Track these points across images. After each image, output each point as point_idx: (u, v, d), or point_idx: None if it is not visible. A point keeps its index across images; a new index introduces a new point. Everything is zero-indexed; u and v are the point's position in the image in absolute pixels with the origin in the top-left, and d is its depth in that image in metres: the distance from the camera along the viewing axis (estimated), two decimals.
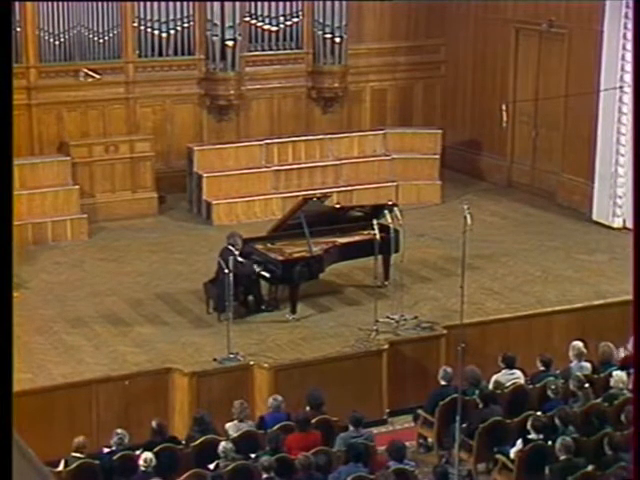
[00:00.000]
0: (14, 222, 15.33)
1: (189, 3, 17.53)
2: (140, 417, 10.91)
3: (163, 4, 17.37)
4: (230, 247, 12.99)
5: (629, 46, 15.86)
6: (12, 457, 2.32)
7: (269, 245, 13.56)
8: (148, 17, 17.37)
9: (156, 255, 15.37)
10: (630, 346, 11.91)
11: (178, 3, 17.47)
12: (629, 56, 15.88)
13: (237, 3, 17.53)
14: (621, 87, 15.93)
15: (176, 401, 11.61)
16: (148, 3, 17.31)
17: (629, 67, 15.89)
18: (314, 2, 18.21)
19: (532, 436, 10.33)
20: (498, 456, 10.51)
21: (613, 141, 16.33)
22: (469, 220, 12.37)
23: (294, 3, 18.23)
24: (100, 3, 17.00)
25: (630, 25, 15.78)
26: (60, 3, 16.75)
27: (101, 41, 17.15)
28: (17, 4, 16.39)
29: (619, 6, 15.90)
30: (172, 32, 17.57)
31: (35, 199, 15.91)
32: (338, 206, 14.55)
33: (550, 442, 10.14)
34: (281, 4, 18.13)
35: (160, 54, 17.59)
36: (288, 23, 18.31)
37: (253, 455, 9.95)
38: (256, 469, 9.56)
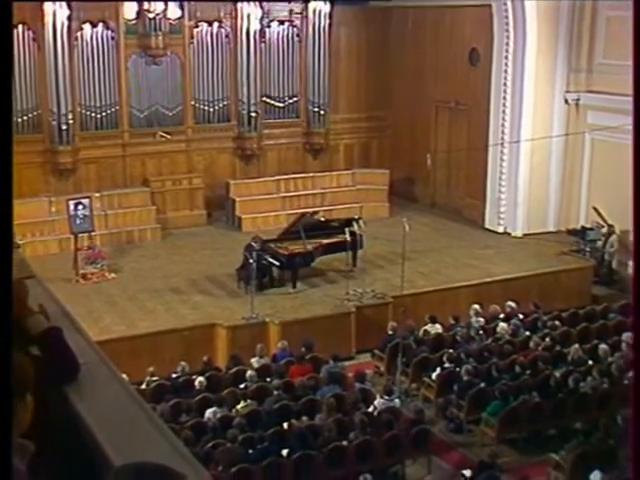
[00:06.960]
0: (104, 231, 15.24)
1: (228, 90, 17.36)
2: (195, 354, 10.86)
3: (210, 94, 17.14)
4: (252, 244, 12.97)
5: (507, 117, 15.87)
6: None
7: (278, 244, 13.50)
8: (201, 98, 17.22)
9: (205, 251, 15.25)
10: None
11: (221, 90, 17.30)
12: (507, 124, 15.87)
13: (258, 90, 17.39)
14: (502, 144, 15.96)
15: (219, 344, 11.58)
16: (202, 90, 17.13)
17: (507, 130, 15.91)
18: (308, 86, 18.11)
19: (446, 365, 10.36)
20: (425, 379, 10.54)
21: (497, 177, 16.26)
22: (407, 228, 12.38)
23: (295, 88, 18.11)
24: (171, 92, 16.81)
25: (508, 103, 15.80)
26: (145, 92, 16.57)
27: (170, 114, 17.02)
28: (117, 95, 16.21)
29: (499, 92, 15.89)
30: (216, 107, 17.42)
31: (127, 215, 15.79)
32: (323, 219, 14.49)
33: (458, 369, 10.17)
34: (287, 90, 18.02)
35: (208, 122, 17.43)
36: (290, 101, 18.17)
37: (268, 379, 9.94)
38: (269, 389, 9.57)
